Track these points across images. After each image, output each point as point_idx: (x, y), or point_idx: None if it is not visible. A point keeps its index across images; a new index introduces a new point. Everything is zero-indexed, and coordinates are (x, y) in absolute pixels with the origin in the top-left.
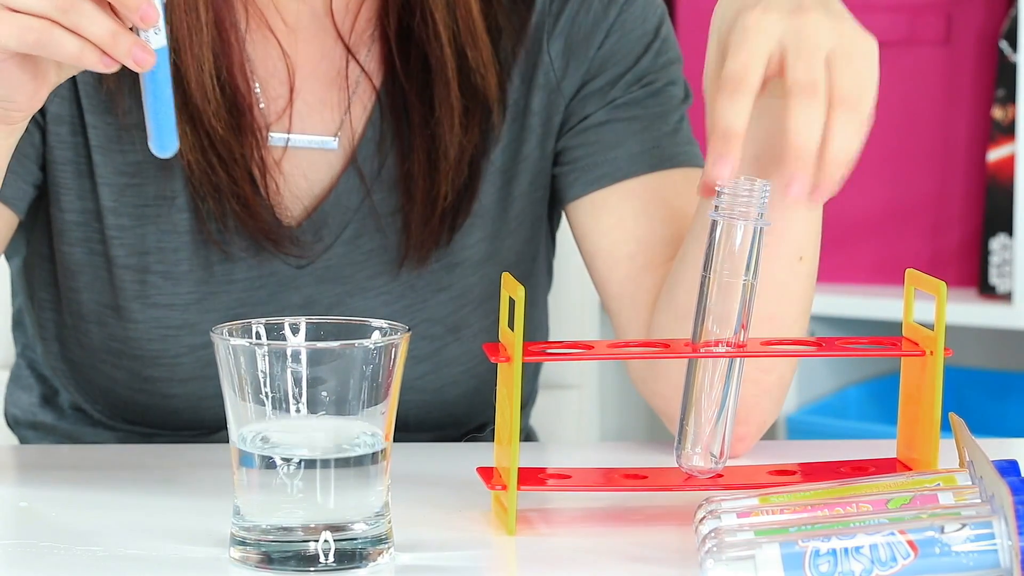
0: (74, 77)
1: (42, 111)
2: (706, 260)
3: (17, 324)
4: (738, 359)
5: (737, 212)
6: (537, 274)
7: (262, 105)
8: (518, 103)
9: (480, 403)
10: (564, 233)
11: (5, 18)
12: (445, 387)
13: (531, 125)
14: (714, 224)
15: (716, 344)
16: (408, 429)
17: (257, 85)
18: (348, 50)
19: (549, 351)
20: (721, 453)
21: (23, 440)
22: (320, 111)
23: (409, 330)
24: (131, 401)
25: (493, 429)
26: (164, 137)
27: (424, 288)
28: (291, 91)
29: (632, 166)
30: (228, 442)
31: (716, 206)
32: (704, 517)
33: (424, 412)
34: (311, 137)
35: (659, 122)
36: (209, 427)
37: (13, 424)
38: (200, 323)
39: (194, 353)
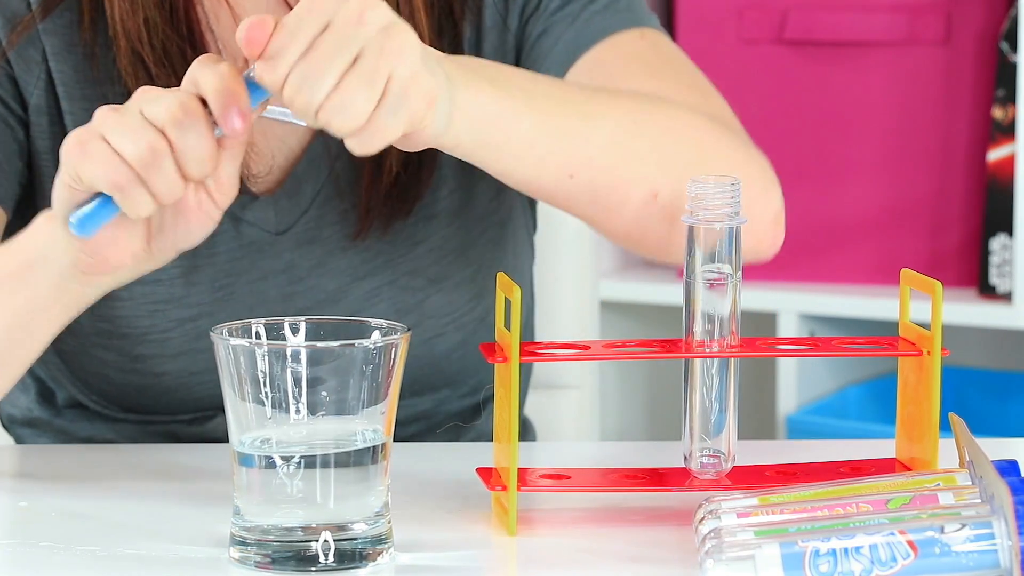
0: (48, 66)
1: (23, 105)
2: (688, 264)
3: None
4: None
5: (712, 215)
6: (516, 218)
7: None
8: (471, 53)
9: (471, 360)
10: (560, 235)
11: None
12: (432, 340)
13: None
14: (690, 228)
15: (710, 344)
16: (402, 396)
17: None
18: None
19: (546, 351)
20: (728, 452)
21: (19, 439)
22: None
23: (409, 330)
24: (124, 384)
25: (481, 403)
26: (90, 223)
27: (403, 242)
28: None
29: (564, 56)
30: (225, 432)
31: (690, 210)
32: (704, 517)
33: (415, 372)
34: (283, 108)
35: (591, 4)
36: (203, 407)
37: (8, 423)
38: (187, 296)
39: (182, 327)
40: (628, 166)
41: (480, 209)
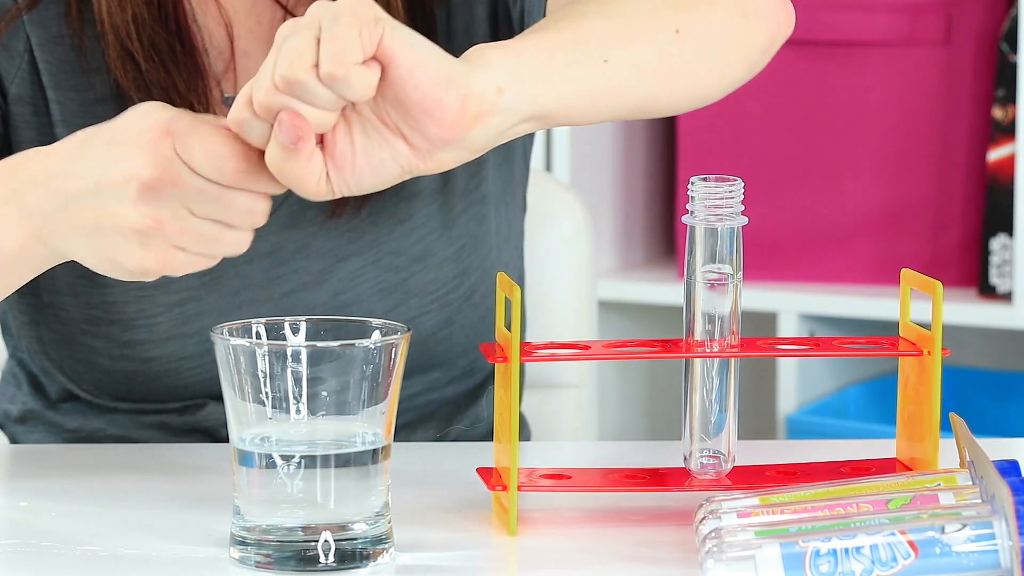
0: (33, 56)
1: (3, 92)
2: (688, 264)
3: (5, 328)
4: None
5: (712, 215)
6: (496, 195)
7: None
8: (443, 32)
9: (458, 339)
10: (558, 235)
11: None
12: (417, 319)
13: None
14: (691, 228)
15: (710, 344)
16: None
17: (205, 41)
18: (286, 11)
19: (546, 351)
20: (728, 452)
21: (13, 437)
22: None
23: (409, 330)
24: (114, 371)
25: (481, 404)
26: None
27: (386, 221)
28: (231, 48)
29: None
30: (215, 422)
31: (690, 210)
32: (704, 517)
33: None
34: None
35: None
36: (192, 394)
37: (4, 419)
38: (173, 281)
39: (170, 311)
40: (637, 33)
41: (460, 186)
